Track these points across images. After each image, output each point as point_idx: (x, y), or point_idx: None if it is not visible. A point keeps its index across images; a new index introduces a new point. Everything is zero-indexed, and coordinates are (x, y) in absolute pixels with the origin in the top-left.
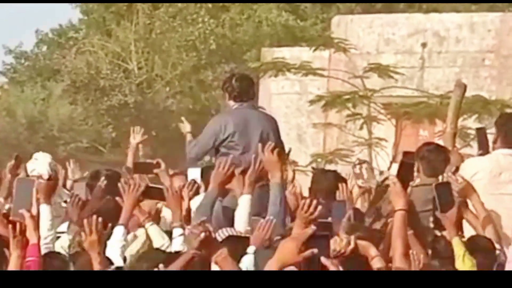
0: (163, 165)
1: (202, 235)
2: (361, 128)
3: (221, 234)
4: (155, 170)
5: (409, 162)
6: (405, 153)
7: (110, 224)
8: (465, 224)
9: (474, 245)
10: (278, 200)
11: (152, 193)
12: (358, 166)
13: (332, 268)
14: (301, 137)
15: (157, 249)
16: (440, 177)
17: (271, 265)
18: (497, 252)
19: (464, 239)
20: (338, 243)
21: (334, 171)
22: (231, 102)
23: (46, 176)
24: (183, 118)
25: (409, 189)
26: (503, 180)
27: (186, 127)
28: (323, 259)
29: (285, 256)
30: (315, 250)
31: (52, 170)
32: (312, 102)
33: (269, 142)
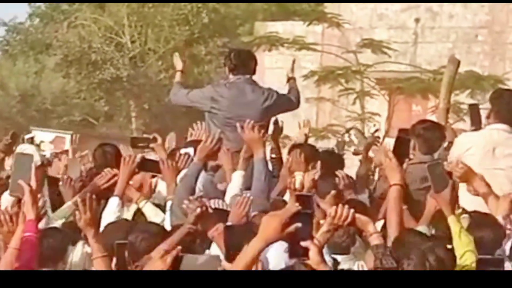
0: (159, 140)
1: (198, 210)
2: (354, 103)
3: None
4: (152, 145)
5: (405, 138)
6: (400, 130)
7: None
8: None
9: (479, 220)
10: (262, 175)
11: (148, 165)
12: (346, 135)
13: (312, 248)
14: (294, 112)
15: (151, 222)
16: (435, 154)
17: (255, 242)
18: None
19: (464, 216)
20: (338, 216)
21: (312, 145)
22: (230, 75)
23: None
24: (176, 54)
25: (405, 165)
26: (497, 155)
27: (178, 64)
28: (303, 243)
29: (268, 233)
30: (299, 224)
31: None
32: (305, 77)
33: (247, 120)
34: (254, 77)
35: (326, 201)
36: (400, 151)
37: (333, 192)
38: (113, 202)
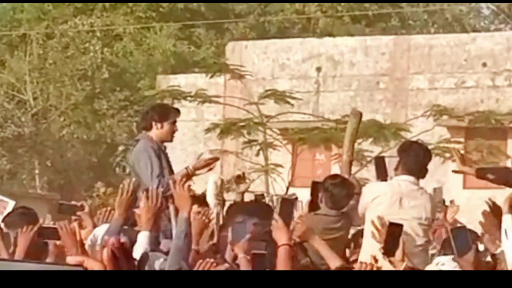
0: (86, 208)
1: None
2: (257, 154)
3: None
4: (78, 213)
5: (289, 199)
6: (313, 183)
7: None
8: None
9: None
10: (183, 234)
11: (47, 233)
12: None
13: None
14: None
15: None
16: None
17: None
18: None
19: None
20: None
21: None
22: None
23: None
24: None
25: (314, 216)
26: (404, 206)
27: None
28: None
29: None
30: None
31: None
32: (207, 130)
33: (179, 177)
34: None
35: (239, 245)
36: (285, 212)
37: (248, 236)
38: None
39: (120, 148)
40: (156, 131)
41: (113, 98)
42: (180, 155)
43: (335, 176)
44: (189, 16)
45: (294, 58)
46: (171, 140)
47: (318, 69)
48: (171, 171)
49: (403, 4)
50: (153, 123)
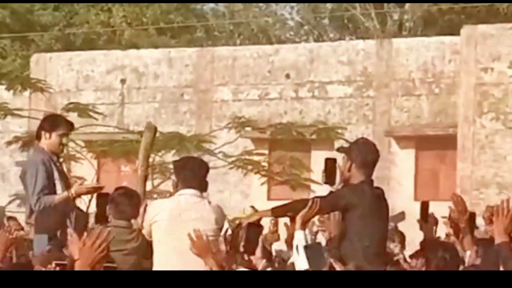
0: None
1: None
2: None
3: None
4: None
5: (84, 212)
6: (99, 195)
7: None
8: None
9: None
10: None
11: None
12: None
13: None
14: (4, 176)
15: None
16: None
17: None
18: None
19: None
20: None
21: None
22: None
23: None
24: None
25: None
26: (184, 219)
27: None
28: None
29: None
30: None
31: None
32: (9, 143)
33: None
34: None
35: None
36: (80, 225)
37: (48, 247)
38: None
39: None
40: (45, 141)
41: None
42: None
43: (120, 187)
44: None
45: (99, 70)
46: (59, 153)
47: (123, 81)
48: (66, 181)
49: (209, 16)
50: (42, 133)
